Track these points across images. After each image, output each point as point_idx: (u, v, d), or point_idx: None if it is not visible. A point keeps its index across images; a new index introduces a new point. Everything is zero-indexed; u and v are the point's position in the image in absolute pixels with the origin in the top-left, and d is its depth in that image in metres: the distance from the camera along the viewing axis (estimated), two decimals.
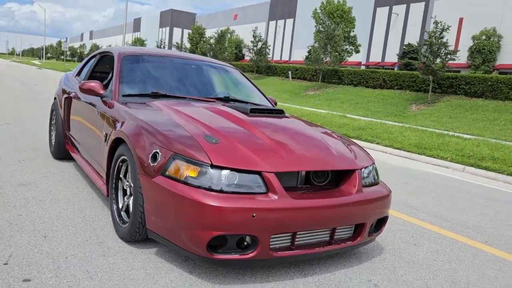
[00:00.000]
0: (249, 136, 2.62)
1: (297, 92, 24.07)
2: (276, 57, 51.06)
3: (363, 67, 35.97)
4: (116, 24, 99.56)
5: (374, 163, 2.99)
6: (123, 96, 3.33)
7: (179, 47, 46.22)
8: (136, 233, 2.63)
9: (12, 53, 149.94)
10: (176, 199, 2.26)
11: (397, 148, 8.66)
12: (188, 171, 2.30)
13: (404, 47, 32.88)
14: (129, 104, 3.16)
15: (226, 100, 3.61)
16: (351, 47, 29.09)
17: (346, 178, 2.70)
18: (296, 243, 2.47)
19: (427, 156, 8.15)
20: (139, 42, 60.45)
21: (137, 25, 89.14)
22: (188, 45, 45.19)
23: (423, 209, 4.51)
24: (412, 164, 7.59)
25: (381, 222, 2.96)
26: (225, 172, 2.29)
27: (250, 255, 2.30)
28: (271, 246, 2.36)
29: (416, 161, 8.03)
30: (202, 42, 38.59)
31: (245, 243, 2.34)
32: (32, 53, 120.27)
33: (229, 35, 41.31)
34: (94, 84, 3.43)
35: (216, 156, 2.33)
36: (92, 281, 2.25)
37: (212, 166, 2.29)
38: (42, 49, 64.75)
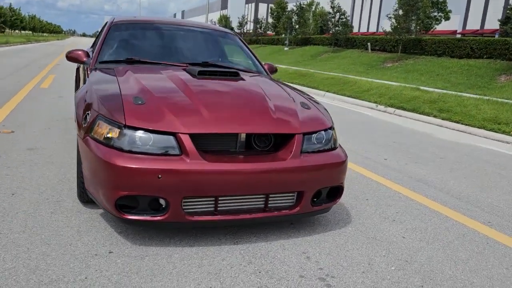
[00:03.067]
0: (181, 98, 2.57)
1: (374, 65, 22.81)
2: (363, 29, 48.74)
3: (458, 36, 32.78)
4: (205, 3, 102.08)
5: (331, 128, 2.76)
6: (100, 62, 3.44)
7: (259, 23, 46.24)
8: (82, 193, 2.76)
9: None
10: (94, 159, 2.32)
11: (466, 124, 7.74)
12: (107, 132, 2.33)
13: (508, 11, 29.19)
14: (98, 70, 3.26)
15: (203, 65, 3.56)
16: (440, 14, 26.59)
17: (285, 143, 2.54)
18: (219, 208, 2.40)
19: (500, 133, 7.16)
20: (224, 19, 61.61)
21: (224, 2, 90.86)
22: (270, 21, 45.03)
23: (441, 188, 4.08)
24: (473, 141, 6.85)
25: (335, 192, 2.75)
26: (139, 133, 2.28)
27: (160, 217, 2.30)
28: (185, 210, 2.33)
29: (481, 138, 7.23)
30: (284, 17, 38.25)
31: (159, 206, 2.33)
32: None
33: (313, 8, 40.37)
34: (79, 52, 3.59)
35: (132, 117, 2.33)
36: (23, 234, 2.42)
37: (126, 127, 2.29)
38: None
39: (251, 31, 49.60)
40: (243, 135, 2.50)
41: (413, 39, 22.64)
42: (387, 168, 4.59)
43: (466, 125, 7.68)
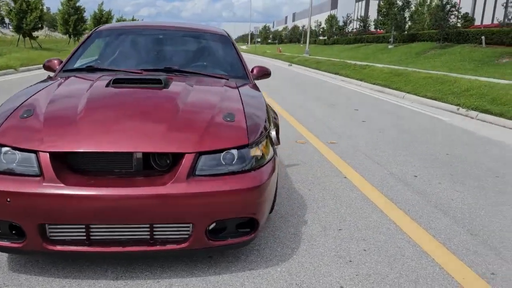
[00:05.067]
0: (68, 112, 2.29)
1: (486, 61, 19.99)
2: (487, 21, 43.56)
3: None
4: (316, 4, 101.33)
5: (248, 145, 2.23)
6: (64, 71, 3.35)
7: (363, 21, 44.06)
8: None
9: None
10: None
11: None
12: None
13: None
14: (53, 79, 3.15)
15: (164, 70, 3.25)
16: None
17: (177, 164, 2.11)
18: (92, 238, 2.08)
19: None
20: (332, 19, 60.35)
21: (334, 2, 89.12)
22: (379, 18, 42.75)
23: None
24: None
25: (249, 225, 2.24)
26: (4, 149, 2.07)
27: (17, 244, 2.05)
28: (51, 237, 2.06)
29: None
30: (391, 13, 36.03)
31: (20, 232, 2.09)
32: (242, 39, 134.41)
33: (428, 1, 37.32)
34: (55, 61, 3.56)
35: (4, 132, 2.13)
36: None
37: None
38: (248, 35, 71.56)
39: (355, 30, 47.85)
40: (139, 154, 2.15)
41: None
42: (409, 189, 3.77)
43: None
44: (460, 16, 27.37)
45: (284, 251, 2.56)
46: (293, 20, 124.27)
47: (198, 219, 2.07)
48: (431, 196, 3.62)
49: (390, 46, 31.42)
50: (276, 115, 3.32)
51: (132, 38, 3.76)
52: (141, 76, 2.84)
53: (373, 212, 3.22)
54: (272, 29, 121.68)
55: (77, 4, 32.11)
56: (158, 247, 2.10)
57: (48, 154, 2.01)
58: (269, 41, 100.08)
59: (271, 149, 2.47)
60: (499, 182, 4.06)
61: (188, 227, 2.11)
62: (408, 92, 10.95)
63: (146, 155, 2.16)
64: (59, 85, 2.76)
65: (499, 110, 7.70)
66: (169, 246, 2.11)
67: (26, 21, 24.84)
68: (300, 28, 76.13)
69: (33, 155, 2.03)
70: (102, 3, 37.23)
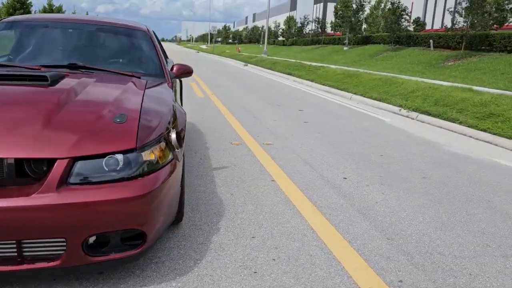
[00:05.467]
0: None
1: (434, 63, 20.71)
2: (437, 25, 45.25)
3: None
4: (275, 5, 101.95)
5: (135, 149, 2.02)
6: None
7: (319, 22, 44.55)
8: None
9: (189, 40, 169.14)
10: None
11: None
12: None
13: None
14: None
15: (68, 67, 2.98)
16: None
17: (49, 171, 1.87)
18: None
19: None
20: (292, 20, 60.84)
21: (293, 3, 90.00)
22: (333, 20, 43.35)
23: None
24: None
25: (137, 237, 2.03)
26: None
27: None
28: None
29: None
30: (346, 16, 36.64)
31: None
32: (203, 39, 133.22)
33: (382, 5, 38.25)
34: None
35: None
36: None
37: None
38: (208, 34, 70.92)
39: (312, 31, 48.49)
40: (11, 160, 1.88)
41: (479, 35, 20.26)
42: (335, 192, 3.67)
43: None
44: (411, 21, 28.25)
45: (186, 263, 2.37)
46: (254, 21, 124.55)
47: (71, 233, 1.84)
48: (356, 199, 3.54)
49: (345, 48, 31.98)
50: (185, 116, 3.09)
51: (39, 31, 3.46)
52: (26, 72, 2.55)
53: (292, 217, 3.09)
54: (232, 29, 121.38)
55: None
56: (25, 266, 1.85)
57: None
58: (230, 41, 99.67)
59: (169, 153, 2.27)
60: (425, 183, 4.06)
61: (61, 242, 1.88)
62: (355, 93, 11.06)
63: (19, 160, 1.90)
64: None
65: (438, 111, 7.87)
66: (38, 265, 1.86)
67: None
68: (260, 28, 76.29)
69: None
70: None
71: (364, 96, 10.52)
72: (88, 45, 3.47)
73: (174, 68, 3.52)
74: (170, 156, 2.27)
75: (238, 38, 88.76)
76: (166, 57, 4.92)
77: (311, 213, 3.19)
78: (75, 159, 1.89)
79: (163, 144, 2.23)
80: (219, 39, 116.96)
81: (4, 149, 1.84)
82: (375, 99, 10.05)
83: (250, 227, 2.88)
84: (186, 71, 3.57)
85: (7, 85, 2.36)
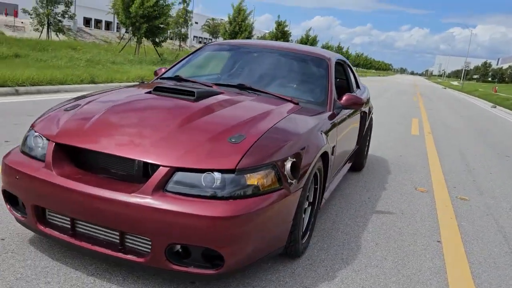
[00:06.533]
0: (96, 110, 2.45)
1: None
2: None
3: None
4: None
5: (234, 171, 2.00)
6: (160, 78, 3.62)
7: None
8: None
9: (441, 75, 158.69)
10: None
11: None
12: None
13: None
14: (138, 85, 3.45)
15: (239, 87, 3.19)
16: None
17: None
18: (77, 229, 2.17)
19: None
20: None
21: None
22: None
23: None
24: None
25: (216, 257, 1.99)
26: (35, 134, 2.35)
27: (19, 217, 2.31)
28: (48, 218, 2.24)
29: None
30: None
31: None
32: (456, 75, 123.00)
33: None
34: (162, 69, 3.86)
35: (42, 119, 2.46)
36: None
37: (31, 129, 2.43)
38: (462, 70, 65.16)
39: None
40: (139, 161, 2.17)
41: None
42: None
43: None
44: None
45: None
46: None
47: (157, 236, 1.95)
48: None
49: None
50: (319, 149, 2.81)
51: (229, 54, 3.88)
52: (181, 87, 2.83)
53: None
54: (494, 66, 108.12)
55: (286, 29, 34.89)
56: (120, 255, 2.06)
57: (54, 143, 2.21)
58: (489, 79, 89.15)
59: (278, 183, 2.16)
60: None
61: (148, 242, 2.01)
62: None
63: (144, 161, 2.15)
64: (126, 88, 3.02)
65: None
66: (129, 257, 2.05)
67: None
68: None
69: (47, 143, 2.27)
70: (309, 29, 39.66)
71: None
72: (264, 69, 3.66)
73: (343, 98, 3.34)
74: (278, 186, 2.16)
75: (499, 77, 78.41)
76: (357, 86, 4.77)
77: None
78: (177, 169, 2.00)
79: (271, 172, 2.14)
80: (476, 76, 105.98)
81: (125, 148, 2.11)
82: None
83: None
84: (355, 103, 3.34)
85: (164, 97, 2.72)
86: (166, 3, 19.42)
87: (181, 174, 2.00)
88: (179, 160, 2.02)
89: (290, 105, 2.96)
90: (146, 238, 2.00)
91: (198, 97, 2.64)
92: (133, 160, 2.10)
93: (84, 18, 53.35)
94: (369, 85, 7.90)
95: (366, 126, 4.81)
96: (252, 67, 3.71)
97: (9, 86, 8.03)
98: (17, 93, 8.04)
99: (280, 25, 34.76)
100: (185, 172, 2.00)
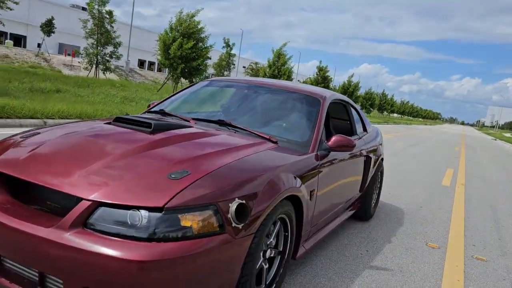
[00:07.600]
0: (43, 140, 2.36)
1: None
2: None
3: None
4: None
5: (161, 209, 1.79)
6: (147, 112, 3.56)
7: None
8: None
9: (493, 126, 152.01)
10: None
11: None
12: None
13: None
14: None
15: (218, 123, 3.03)
16: None
17: None
18: (4, 264, 2.02)
19: None
20: None
21: None
22: None
23: None
24: None
25: None
26: None
27: None
28: None
29: None
30: None
31: None
32: (510, 126, 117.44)
33: None
34: (155, 102, 3.81)
35: None
36: None
37: None
38: None
39: None
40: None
41: None
42: None
43: None
44: None
45: None
46: None
47: (69, 278, 1.76)
48: None
49: None
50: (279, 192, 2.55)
51: (220, 90, 3.76)
52: (139, 118, 2.70)
53: None
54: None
55: (327, 74, 35.09)
56: None
57: None
58: None
59: (217, 226, 1.92)
60: None
61: (60, 283, 1.82)
62: None
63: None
64: (96, 119, 2.94)
65: None
66: None
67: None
68: None
69: None
70: (352, 75, 39.63)
71: None
72: (251, 106, 3.49)
73: (331, 140, 3.08)
74: (218, 230, 1.92)
75: None
76: (364, 129, 4.51)
77: None
78: (100, 204, 1.83)
79: (210, 213, 1.91)
80: None
81: (53, 178, 1.96)
82: None
83: None
84: (344, 145, 3.07)
85: (121, 127, 2.59)
86: (205, 46, 20.12)
87: (104, 209, 1.82)
88: (104, 194, 1.85)
89: (265, 144, 2.75)
90: (59, 279, 1.80)
91: (155, 130, 2.50)
92: (60, 192, 1.95)
93: (139, 60, 56.56)
94: (410, 133, 7.49)
95: (373, 172, 4.46)
96: (240, 104, 3.56)
97: (38, 118, 8.35)
98: (45, 125, 8.32)
99: (321, 70, 35.03)
100: (109, 208, 1.82)
